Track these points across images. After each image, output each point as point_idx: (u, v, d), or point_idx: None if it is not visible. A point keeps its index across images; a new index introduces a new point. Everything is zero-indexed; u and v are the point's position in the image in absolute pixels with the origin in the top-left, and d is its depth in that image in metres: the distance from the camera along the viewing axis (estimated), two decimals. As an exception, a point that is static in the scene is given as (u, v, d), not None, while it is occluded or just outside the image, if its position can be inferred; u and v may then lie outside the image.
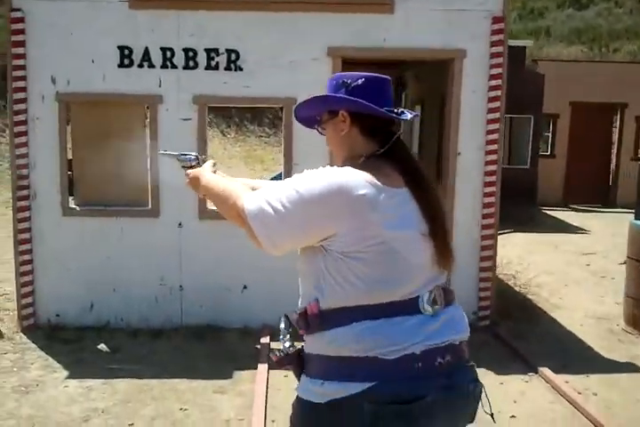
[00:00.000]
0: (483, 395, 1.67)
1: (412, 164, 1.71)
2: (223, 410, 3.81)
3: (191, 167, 2.10)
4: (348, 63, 5.17)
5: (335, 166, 1.66)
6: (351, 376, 1.56)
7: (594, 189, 14.07)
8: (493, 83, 5.21)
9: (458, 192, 5.29)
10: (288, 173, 5.08)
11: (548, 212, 12.40)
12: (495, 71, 5.20)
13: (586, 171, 13.85)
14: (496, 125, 5.26)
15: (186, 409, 3.82)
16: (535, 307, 6.02)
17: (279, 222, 1.57)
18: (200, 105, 5.09)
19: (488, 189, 5.29)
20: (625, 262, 8.40)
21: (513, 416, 3.70)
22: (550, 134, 13.80)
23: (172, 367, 4.42)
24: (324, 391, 1.59)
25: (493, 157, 5.27)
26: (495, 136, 5.27)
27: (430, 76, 7.43)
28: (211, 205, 5.29)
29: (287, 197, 1.57)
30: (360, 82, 1.70)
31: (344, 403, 1.56)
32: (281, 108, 6.03)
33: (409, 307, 1.59)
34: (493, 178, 5.28)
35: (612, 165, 14.22)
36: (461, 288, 5.56)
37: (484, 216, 5.30)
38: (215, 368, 4.43)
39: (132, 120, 5.25)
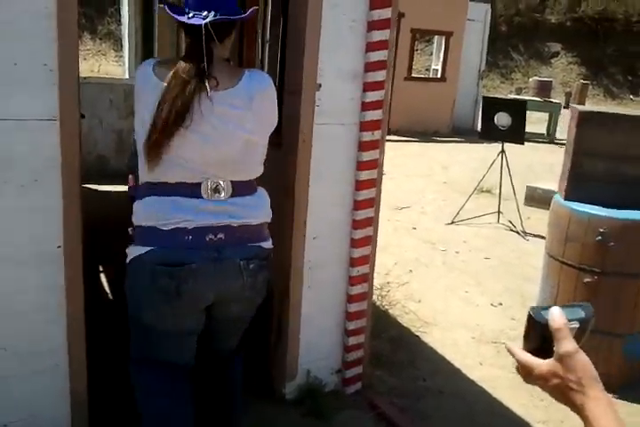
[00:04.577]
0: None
1: (195, 64, 1.82)
2: None
3: None
4: None
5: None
6: (140, 241, 1.89)
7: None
8: (383, -52, 2.68)
9: (315, 157, 2.77)
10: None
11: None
12: None
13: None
14: (384, 34, 2.82)
15: None
16: (401, 327, 3.91)
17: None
18: None
19: (368, 156, 2.86)
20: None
21: None
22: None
23: None
24: (128, 253, 1.92)
25: (378, 95, 2.83)
26: (383, 55, 2.83)
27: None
28: None
29: None
30: None
31: (134, 262, 1.89)
32: None
33: (192, 190, 1.84)
34: (377, 135, 2.86)
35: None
36: (313, 334, 3.06)
37: (359, 205, 2.91)
38: None
39: None
